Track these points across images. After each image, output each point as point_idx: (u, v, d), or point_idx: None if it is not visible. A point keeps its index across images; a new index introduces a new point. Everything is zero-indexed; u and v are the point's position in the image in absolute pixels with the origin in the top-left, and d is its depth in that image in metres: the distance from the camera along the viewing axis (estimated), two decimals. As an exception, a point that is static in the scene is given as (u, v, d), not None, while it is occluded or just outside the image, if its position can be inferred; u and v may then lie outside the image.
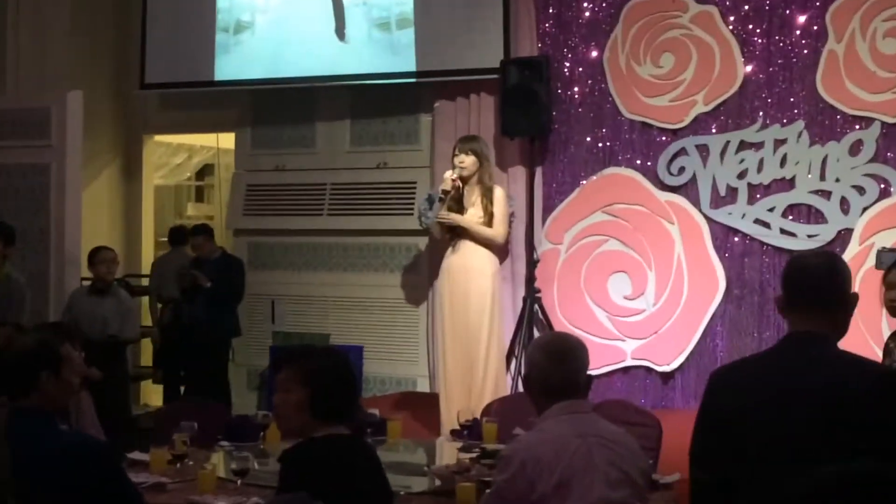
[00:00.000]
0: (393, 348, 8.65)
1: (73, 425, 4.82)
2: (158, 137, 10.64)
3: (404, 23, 8.43)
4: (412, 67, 8.37)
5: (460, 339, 6.85)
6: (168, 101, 9.84)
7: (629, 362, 7.69)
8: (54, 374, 3.40)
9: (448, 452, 5.35)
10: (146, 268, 10.01)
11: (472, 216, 6.92)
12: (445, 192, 6.93)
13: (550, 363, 3.48)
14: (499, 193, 7.02)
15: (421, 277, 8.51)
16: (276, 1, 8.97)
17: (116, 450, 3.80)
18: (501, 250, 7.30)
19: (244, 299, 8.65)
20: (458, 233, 6.95)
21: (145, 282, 9.88)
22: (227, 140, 10.33)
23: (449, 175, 6.96)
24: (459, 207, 6.95)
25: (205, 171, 12.79)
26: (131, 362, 9.12)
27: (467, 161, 6.94)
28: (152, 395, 10.11)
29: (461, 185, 6.95)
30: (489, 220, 6.92)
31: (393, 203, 8.66)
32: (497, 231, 6.95)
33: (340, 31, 8.65)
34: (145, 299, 9.99)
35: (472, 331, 6.82)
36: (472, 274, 6.86)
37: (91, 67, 9.54)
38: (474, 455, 4.96)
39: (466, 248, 6.92)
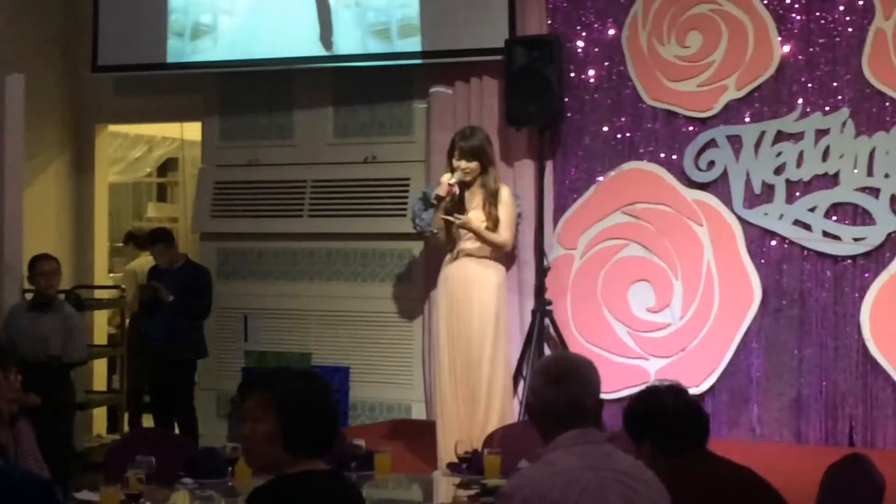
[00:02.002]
0: (383, 369, 8.72)
1: (11, 459, 4.85)
2: (113, 127, 10.68)
3: (408, 30, 8.41)
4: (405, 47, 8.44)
5: (460, 358, 6.89)
6: (124, 86, 9.89)
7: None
8: None
9: (445, 489, 5.39)
10: (99, 278, 10.06)
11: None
12: (439, 198, 6.95)
13: (551, 388, 3.53)
14: (505, 195, 7.04)
15: (415, 287, 8.58)
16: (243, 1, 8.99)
17: (60, 488, 3.82)
18: (507, 258, 7.36)
19: (212, 314, 8.72)
20: (460, 237, 6.99)
21: (99, 294, 9.93)
22: (193, 130, 10.39)
23: (446, 179, 6.95)
24: (460, 210, 6.98)
25: (167, 167, 12.84)
26: (81, 387, 9.14)
27: (470, 167, 6.93)
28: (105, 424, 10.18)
29: (458, 192, 6.96)
30: (493, 225, 6.95)
31: (383, 203, 8.73)
32: (503, 237, 6.99)
33: (326, 39, 8.62)
34: (100, 314, 10.04)
35: (474, 349, 6.86)
36: (473, 284, 6.90)
37: (35, 47, 9.56)
38: (474, 492, 4.99)
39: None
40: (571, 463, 3.44)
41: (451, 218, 6.92)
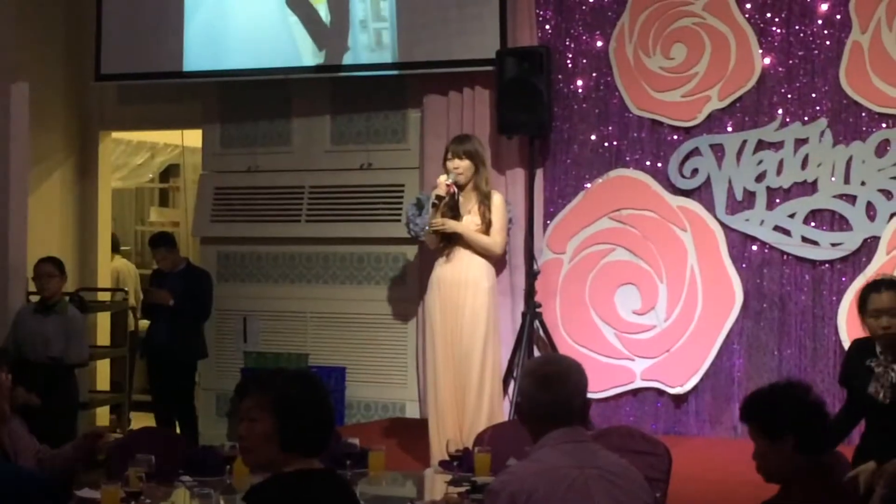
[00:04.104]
0: (379, 369, 8.75)
1: (11, 457, 4.86)
2: (116, 134, 10.71)
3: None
4: (399, 58, 8.48)
5: (452, 359, 6.93)
6: (127, 94, 9.92)
7: (639, 384, 7.81)
8: None
9: (437, 486, 5.40)
10: (102, 280, 10.09)
11: (468, 224, 7.00)
12: (439, 198, 6.99)
13: (538, 389, 3.57)
14: (497, 200, 7.10)
15: (410, 290, 8.61)
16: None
17: (61, 486, 3.80)
18: (499, 261, 7.39)
19: (212, 316, 8.75)
20: (452, 240, 7.02)
21: (102, 296, 9.96)
22: (194, 137, 10.41)
23: (443, 179, 7.02)
24: (455, 215, 7.02)
25: (169, 172, 12.84)
26: (85, 387, 9.16)
27: (462, 166, 7.00)
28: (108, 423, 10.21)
29: (457, 191, 7.02)
30: (487, 228, 7.01)
31: (378, 208, 8.76)
32: (495, 240, 7.03)
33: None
34: (103, 316, 10.05)
35: (466, 350, 6.90)
36: (465, 287, 6.94)
37: (39, 56, 9.57)
38: (464, 489, 5.00)
39: (461, 258, 7.00)
40: (558, 460, 3.48)
41: (441, 227, 6.95)
